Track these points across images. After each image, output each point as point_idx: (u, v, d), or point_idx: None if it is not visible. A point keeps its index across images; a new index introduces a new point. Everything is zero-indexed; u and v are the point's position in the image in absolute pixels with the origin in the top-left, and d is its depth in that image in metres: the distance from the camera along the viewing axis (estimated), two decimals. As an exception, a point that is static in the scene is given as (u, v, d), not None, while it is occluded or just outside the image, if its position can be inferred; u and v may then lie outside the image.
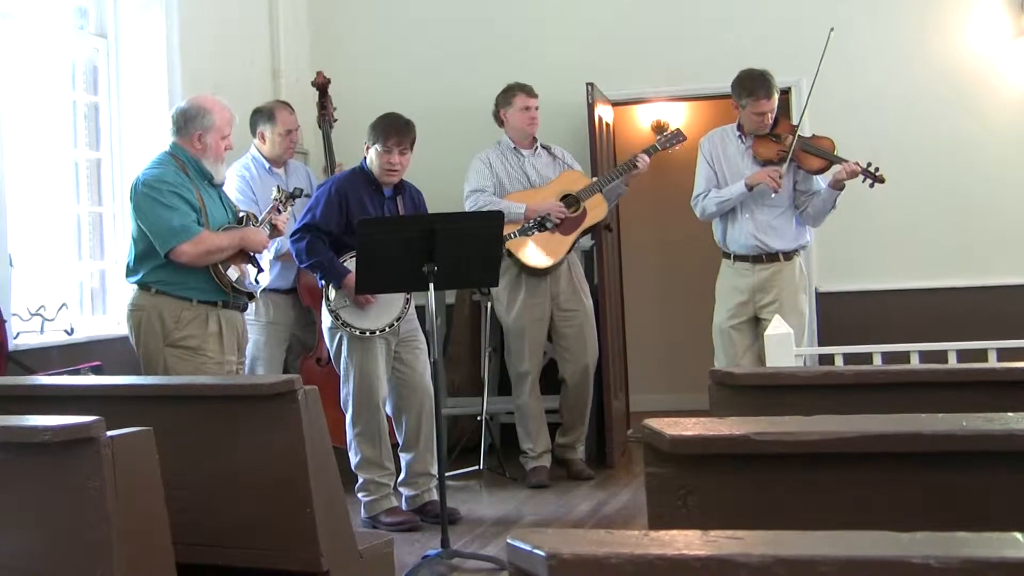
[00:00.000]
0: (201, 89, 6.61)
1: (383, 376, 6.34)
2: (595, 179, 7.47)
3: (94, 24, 7.02)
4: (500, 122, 7.58)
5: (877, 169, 6.92)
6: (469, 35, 8.77)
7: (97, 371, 5.92)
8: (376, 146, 6.34)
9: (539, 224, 6.80)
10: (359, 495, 6.39)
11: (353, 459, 6.39)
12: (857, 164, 6.90)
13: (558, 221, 7.24)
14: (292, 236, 6.32)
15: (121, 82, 7.08)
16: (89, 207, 6.93)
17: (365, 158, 6.43)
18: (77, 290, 6.81)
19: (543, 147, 7.61)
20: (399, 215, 6.37)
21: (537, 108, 7.51)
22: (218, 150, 5.72)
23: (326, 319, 6.34)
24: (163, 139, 6.41)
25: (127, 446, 3.27)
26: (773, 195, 7.02)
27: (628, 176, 7.40)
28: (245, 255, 5.71)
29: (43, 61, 6.62)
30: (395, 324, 6.28)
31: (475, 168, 7.46)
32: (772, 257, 7.10)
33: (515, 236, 6.91)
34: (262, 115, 7.14)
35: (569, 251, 7.42)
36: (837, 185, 6.95)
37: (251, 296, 5.83)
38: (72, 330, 6.19)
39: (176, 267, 5.51)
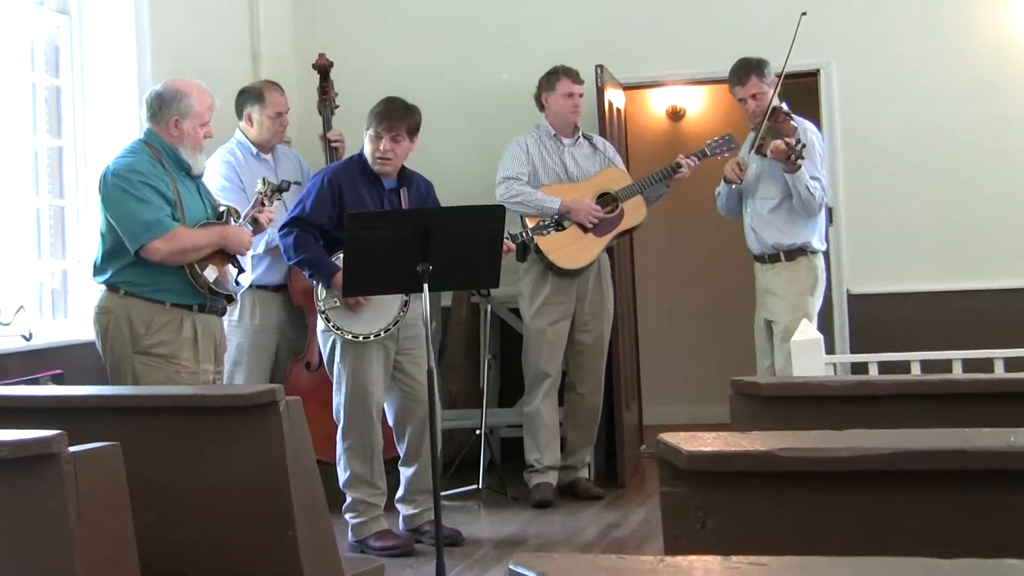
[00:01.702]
0: (172, 71, 6.61)
1: (379, 385, 6.33)
2: (636, 181, 7.49)
3: (55, -1, 7.02)
4: (541, 106, 7.64)
5: (804, 148, 6.94)
6: (469, 14, 8.76)
7: (58, 380, 5.91)
8: (368, 130, 6.36)
9: (556, 224, 6.85)
10: (346, 516, 6.39)
11: (342, 475, 6.38)
12: (783, 142, 6.93)
13: (592, 224, 7.29)
14: (280, 230, 6.34)
15: (85, 63, 7.07)
16: (50, 200, 6.92)
17: (364, 146, 6.45)
18: (36, 291, 6.80)
19: (585, 136, 7.66)
20: (390, 209, 6.37)
21: (582, 95, 7.56)
22: (196, 138, 5.71)
23: (320, 321, 6.35)
24: (131, 126, 6.45)
25: (91, 462, 3.27)
26: (735, 186, 7.31)
27: (671, 179, 7.44)
28: (225, 254, 5.70)
29: (-1, 40, 6.63)
30: (392, 328, 6.26)
31: (511, 153, 7.51)
32: (774, 257, 7.27)
33: (528, 234, 6.94)
34: (250, 95, 7.16)
35: (600, 253, 7.48)
36: (789, 170, 6.99)
37: (230, 299, 5.81)
38: (31, 335, 6.19)
39: (148, 266, 5.49)
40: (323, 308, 6.25)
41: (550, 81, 7.57)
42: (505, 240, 6.44)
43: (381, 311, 6.24)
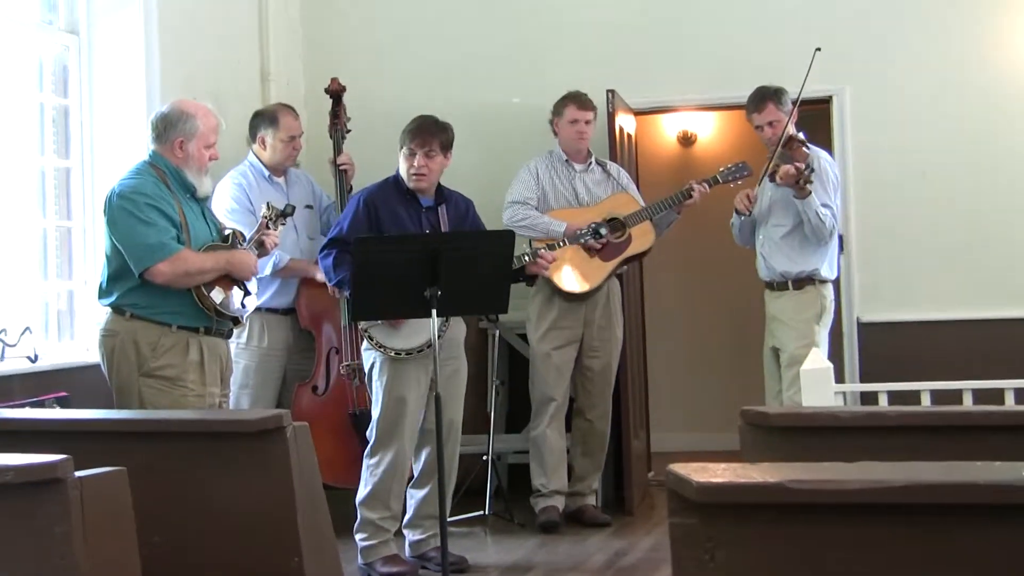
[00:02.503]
0: (181, 92, 6.62)
1: (415, 405, 6.32)
2: (645, 207, 7.47)
3: (64, 19, 7.02)
4: (555, 132, 7.67)
5: (811, 172, 6.96)
6: (479, 36, 8.76)
7: (64, 403, 5.91)
8: (403, 149, 6.43)
9: (594, 232, 6.91)
10: (356, 537, 6.38)
11: (361, 491, 6.38)
12: (793, 167, 6.93)
13: (597, 246, 7.30)
14: (320, 251, 6.44)
15: (94, 83, 7.07)
16: (57, 221, 6.92)
17: (399, 167, 6.52)
18: (42, 312, 6.80)
19: (598, 163, 7.68)
20: (429, 228, 6.42)
21: (588, 122, 7.56)
22: (202, 160, 5.73)
23: (365, 342, 6.38)
24: (139, 147, 6.43)
25: (97, 488, 3.28)
26: (744, 218, 7.34)
27: (681, 206, 7.44)
28: (229, 276, 5.72)
29: (7, 59, 6.62)
30: (434, 343, 6.24)
31: (520, 178, 7.55)
32: (782, 285, 7.26)
33: (563, 244, 7.11)
34: (264, 119, 7.19)
35: (608, 278, 7.46)
36: (798, 195, 7.00)
37: (236, 321, 5.82)
38: (36, 357, 6.18)
39: (154, 289, 5.50)
40: (364, 327, 6.27)
41: (559, 107, 7.59)
42: (543, 252, 6.53)
43: (421, 326, 6.21)
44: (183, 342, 5.57)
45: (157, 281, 5.48)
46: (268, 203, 6.11)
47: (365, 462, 6.39)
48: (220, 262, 5.65)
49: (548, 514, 7.41)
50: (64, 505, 3.15)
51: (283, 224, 6.11)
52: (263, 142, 7.16)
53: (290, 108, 7.34)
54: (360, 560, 6.37)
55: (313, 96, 8.05)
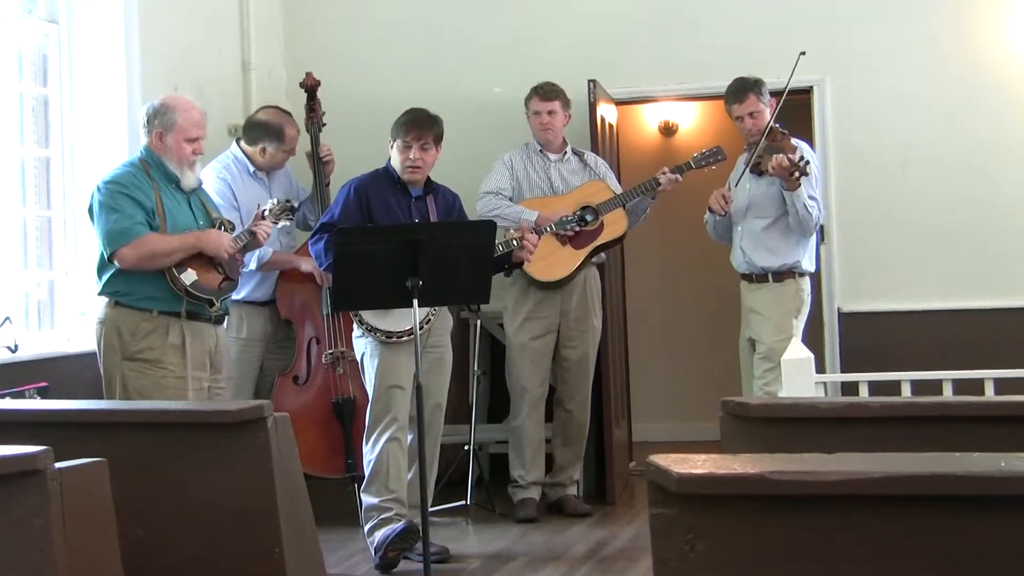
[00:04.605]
0: (162, 81, 6.63)
1: (407, 389, 6.30)
2: (617, 194, 7.46)
3: (44, 8, 6.99)
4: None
5: (807, 164, 6.94)
6: (460, 27, 8.75)
7: (44, 393, 5.89)
8: (396, 141, 6.46)
9: (579, 219, 6.99)
10: (365, 528, 6.39)
11: (365, 474, 6.40)
12: (786, 158, 6.91)
13: (571, 233, 7.29)
14: (310, 237, 6.52)
15: (74, 73, 7.05)
16: (37, 211, 6.90)
17: (390, 158, 6.54)
18: (23, 302, 6.77)
19: (575, 153, 7.67)
20: (417, 216, 6.45)
21: (552, 112, 7.53)
22: (181, 153, 5.82)
23: (356, 328, 6.39)
24: (120, 136, 6.47)
25: (77, 479, 3.26)
26: (722, 215, 7.32)
27: (654, 191, 7.42)
28: (207, 261, 5.78)
29: (-12, 49, 6.61)
30: (424, 327, 6.23)
31: (495, 169, 7.57)
32: (762, 277, 7.25)
33: (551, 229, 7.15)
34: (270, 133, 7.21)
35: (582, 266, 7.45)
36: (788, 187, 6.98)
37: (211, 303, 5.83)
38: (16, 347, 6.16)
39: (131, 275, 5.65)
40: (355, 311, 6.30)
41: (526, 99, 7.62)
42: (529, 236, 6.52)
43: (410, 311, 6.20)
44: (163, 327, 5.70)
45: (123, 265, 5.64)
46: (277, 200, 6.24)
47: (364, 447, 6.41)
48: (188, 241, 5.77)
49: (526, 508, 7.43)
50: (43, 497, 3.14)
51: (290, 219, 6.22)
52: (263, 151, 7.18)
53: (290, 117, 7.42)
54: (372, 553, 6.33)
55: (295, 87, 8.02)
